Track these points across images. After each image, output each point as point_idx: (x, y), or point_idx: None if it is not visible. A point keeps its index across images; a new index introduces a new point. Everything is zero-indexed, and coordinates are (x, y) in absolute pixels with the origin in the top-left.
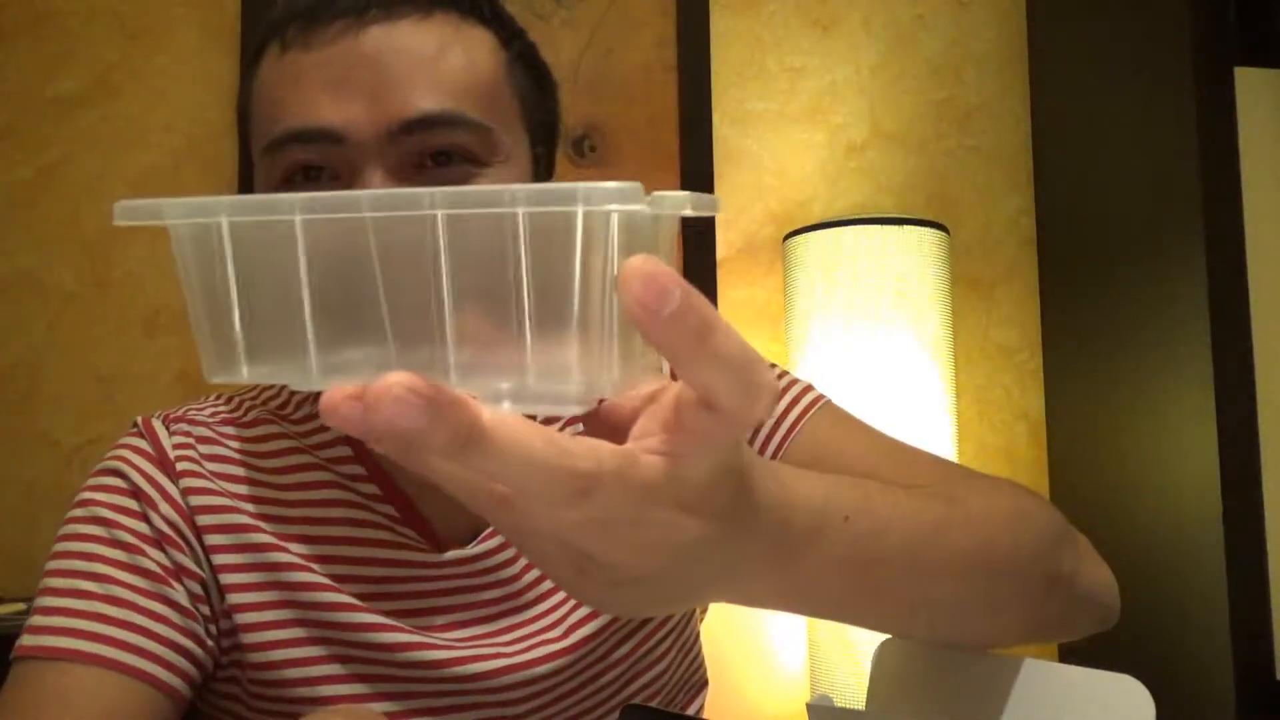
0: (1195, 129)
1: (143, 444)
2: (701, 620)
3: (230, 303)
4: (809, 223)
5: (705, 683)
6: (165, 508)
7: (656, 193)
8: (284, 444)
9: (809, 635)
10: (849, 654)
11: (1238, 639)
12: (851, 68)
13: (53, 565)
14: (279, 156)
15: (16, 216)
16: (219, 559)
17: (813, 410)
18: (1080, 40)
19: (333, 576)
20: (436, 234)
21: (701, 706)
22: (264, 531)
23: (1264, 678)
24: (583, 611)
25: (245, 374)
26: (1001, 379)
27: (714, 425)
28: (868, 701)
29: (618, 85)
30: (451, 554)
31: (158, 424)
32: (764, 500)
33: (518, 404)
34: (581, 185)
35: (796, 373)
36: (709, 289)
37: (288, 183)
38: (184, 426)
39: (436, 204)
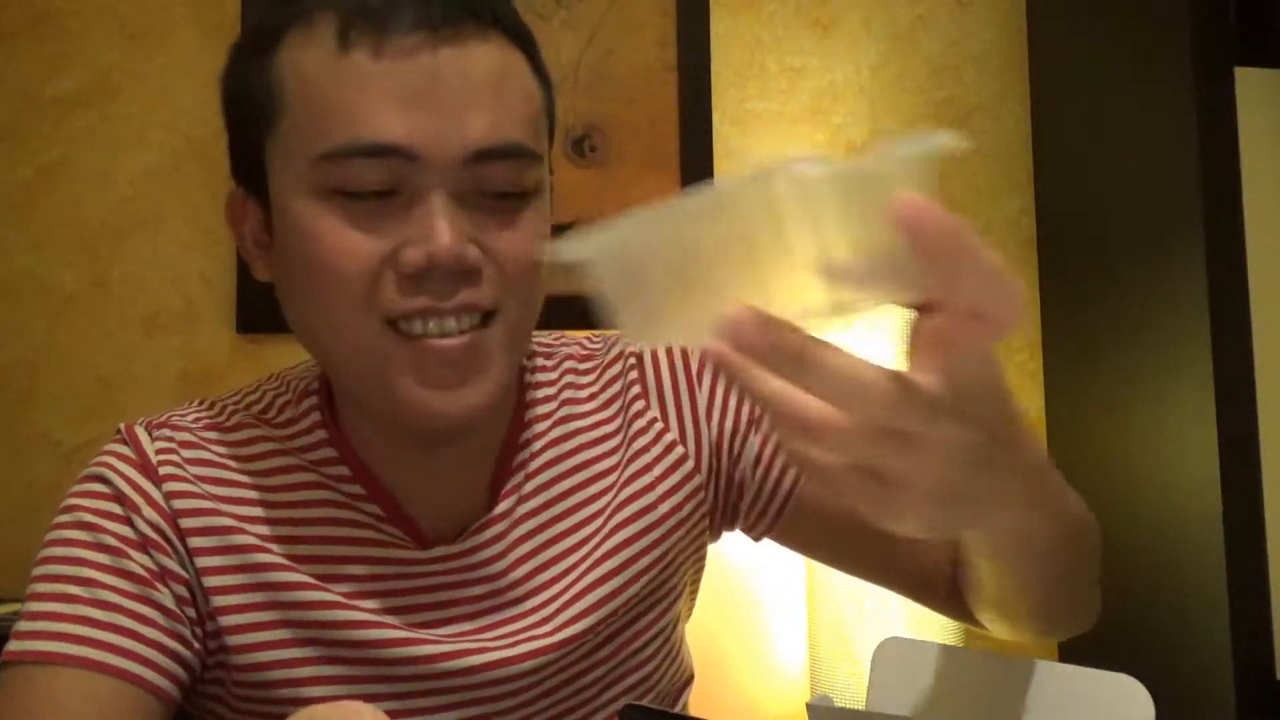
0: (1195, 129)
1: (126, 450)
2: (687, 619)
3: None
4: None
5: (691, 676)
6: (149, 512)
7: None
8: (267, 446)
9: (809, 634)
10: (849, 654)
11: (1238, 639)
12: (851, 68)
13: (39, 571)
14: (337, 167)
15: (16, 216)
16: (203, 561)
17: None
18: (1080, 40)
19: (318, 575)
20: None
21: (686, 702)
22: (247, 533)
23: (1264, 678)
24: (572, 610)
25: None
26: None
27: (981, 333)
28: (868, 700)
29: (618, 85)
30: (438, 550)
31: (140, 430)
32: (1026, 433)
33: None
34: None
35: None
36: None
37: (337, 193)
38: (166, 432)
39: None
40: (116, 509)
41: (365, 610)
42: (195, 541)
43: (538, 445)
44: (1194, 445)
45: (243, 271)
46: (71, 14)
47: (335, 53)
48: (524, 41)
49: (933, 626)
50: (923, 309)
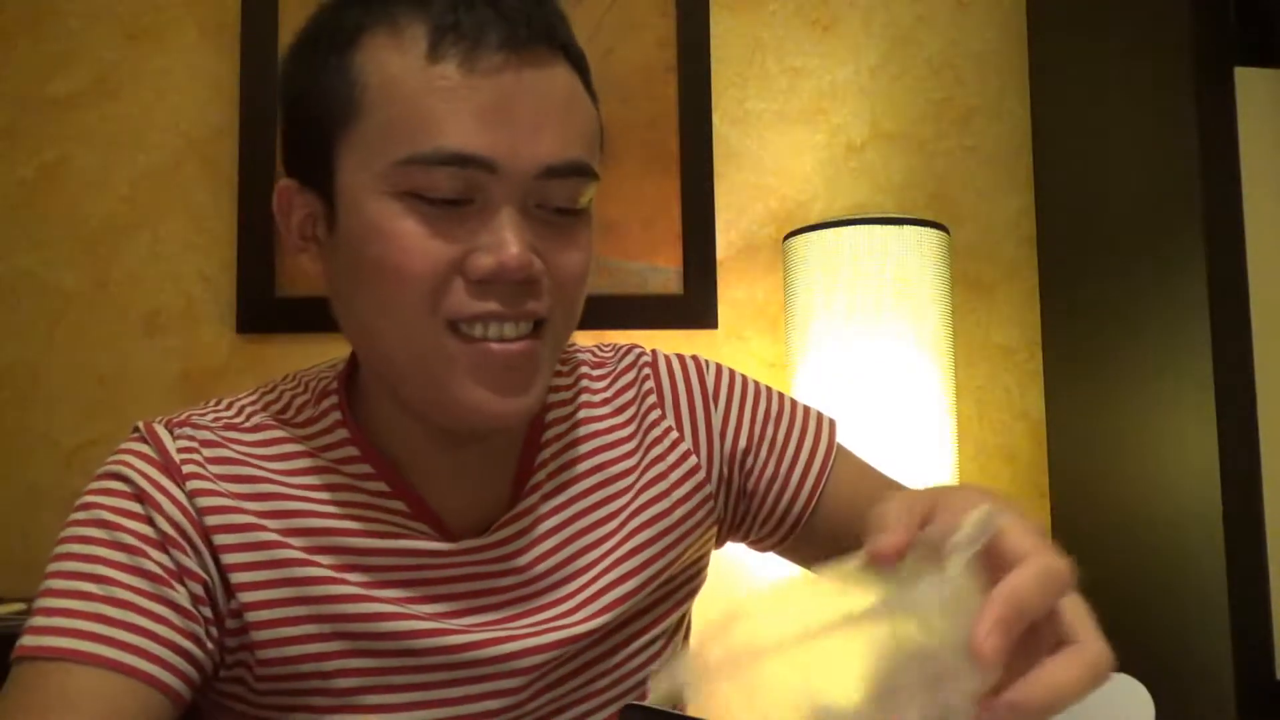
0: (1195, 129)
1: (146, 449)
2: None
3: None
4: (809, 223)
5: None
6: (170, 510)
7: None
8: (289, 447)
9: None
10: None
11: (1238, 639)
12: (851, 68)
13: (54, 567)
14: (420, 171)
15: (16, 216)
16: (228, 559)
17: (834, 449)
18: (1080, 40)
19: (342, 567)
20: None
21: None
22: (269, 530)
23: (1264, 678)
24: (595, 604)
25: None
26: (1001, 379)
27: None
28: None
29: (618, 85)
30: (465, 543)
31: (160, 429)
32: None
33: None
34: None
35: (797, 374)
36: (709, 289)
37: (414, 196)
38: (188, 430)
39: None
40: (137, 508)
41: (392, 602)
42: (220, 539)
43: (558, 445)
44: (1194, 445)
45: (243, 271)
46: (71, 14)
47: (425, 62)
48: (582, 66)
49: None
50: None
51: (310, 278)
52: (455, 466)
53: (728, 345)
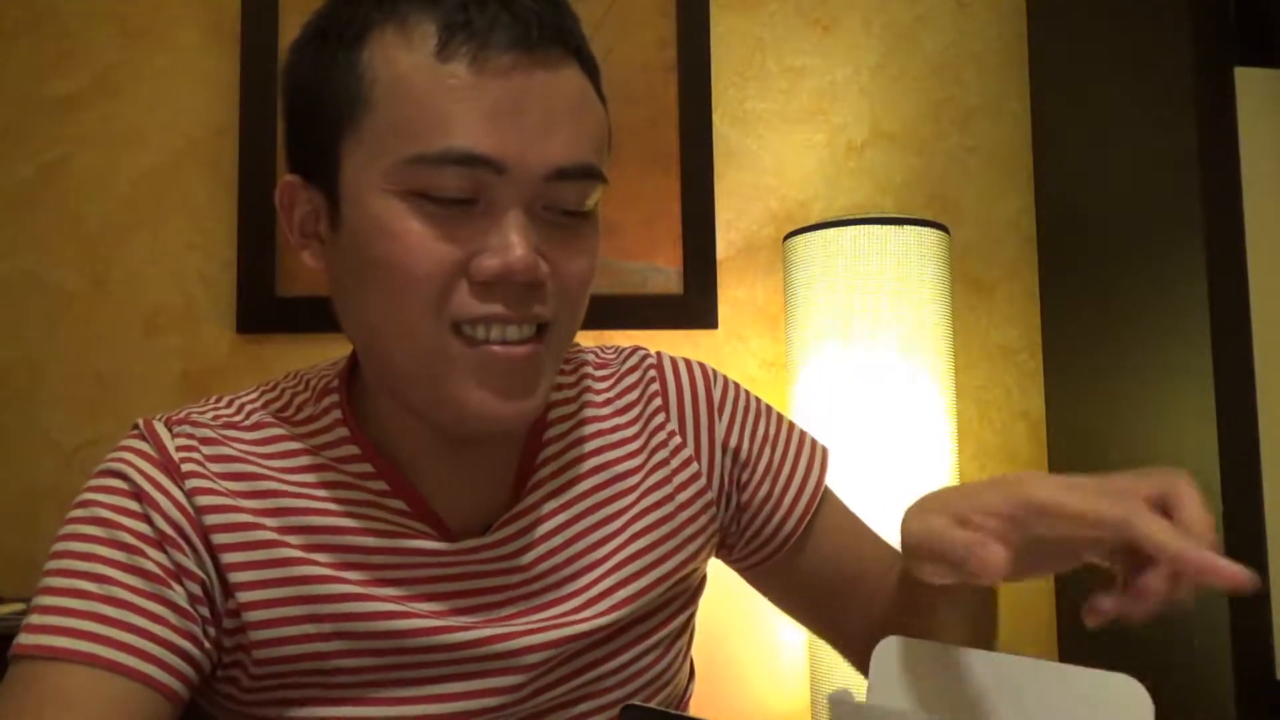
0: (1195, 129)
1: (145, 446)
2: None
3: None
4: (809, 223)
5: (693, 676)
6: (168, 508)
7: None
8: (289, 445)
9: (809, 636)
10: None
11: (1238, 639)
12: (851, 68)
13: (52, 565)
14: (428, 170)
15: (17, 216)
16: (227, 557)
17: (825, 481)
18: (1080, 40)
19: (341, 565)
20: None
21: (689, 700)
22: (267, 528)
23: (1264, 678)
24: (600, 604)
25: None
26: (1001, 379)
27: None
28: (868, 699)
29: (618, 85)
30: (467, 543)
31: (160, 426)
32: None
33: None
34: None
35: (797, 374)
36: (709, 289)
37: (420, 195)
38: (186, 428)
39: None
40: (135, 506)
41: (392, 600)
42: (219, 538)
43: (560, 445)
44: (1194, 445)
45: (243, 271)
46: (72, 14)
47: (434, 60)
48: (593, 70)
49: None
50: None
51: (310, 277)
52: (456, 466)
53: (728, 345)
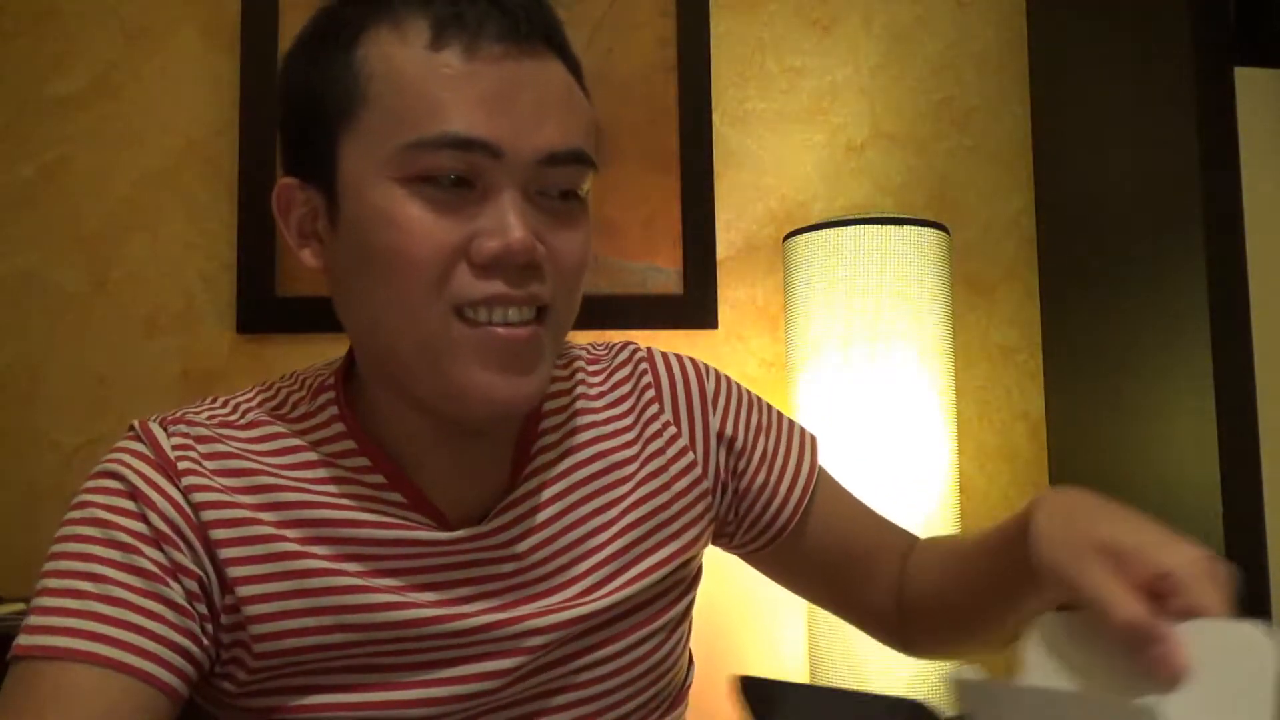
0: (1195, 129)
1: (140, 447)
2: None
3: None
4: (809, 223)
5: (691, 664)
6: (164, 507)
7: None
8: (286, 441)
9: (808, 634)
10: (847, 651)
11: None
12: (851, 68)
13: (50, 566)
14: (425, 155)
15: (17, 216)
16: (225, 553)
17: (818, 466)
18: (1080, 40)
19: (340, 557)
20: None
21: (689, 685)
22: (266, 523)
23: None
24: (597, 591)
25: None
26: (1001, 379)
27: None
28: (1025, 675)
29: (618, 85)
30: (463, 532)
31: (155, 427)
32: None
33: None
34: None
35: (797, 374)
36: (709, 289)
37: (419, 181)
38: (182, 428)
39: None
40: (130, 505)
41: (391, 591)
42: (216, 534)
43: (555, 435)
44: (1194, 445)
45: (243, 271)
46: (71, 14)
47: (428, 51)
48: (576, 69)
49: None
50: None
51: (310, 278)
52: (453, 457)
53: (728, 345)
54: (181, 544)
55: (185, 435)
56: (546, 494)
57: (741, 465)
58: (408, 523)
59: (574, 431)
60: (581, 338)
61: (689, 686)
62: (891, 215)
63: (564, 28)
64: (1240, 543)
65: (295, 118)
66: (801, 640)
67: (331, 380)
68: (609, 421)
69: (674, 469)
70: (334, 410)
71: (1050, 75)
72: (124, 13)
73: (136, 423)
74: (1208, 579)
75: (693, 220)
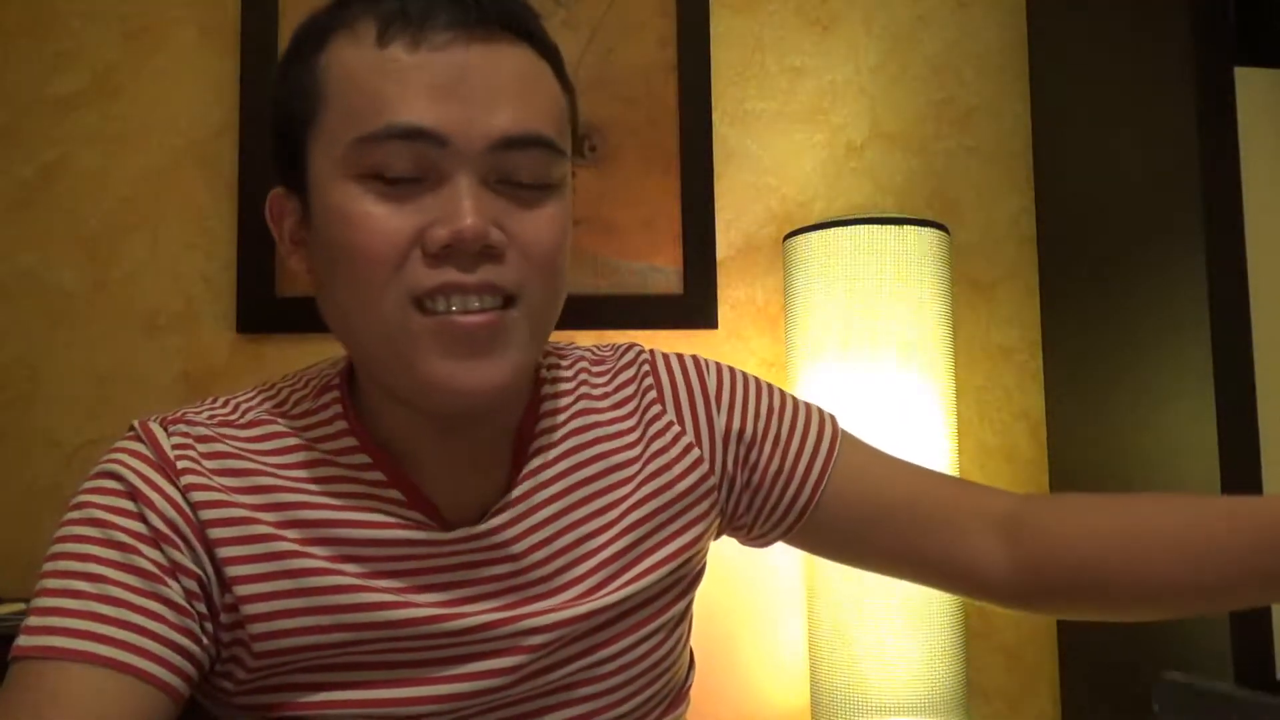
0: (1195, 129)
1: (140, 447)
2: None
3: None
4: (809, 223)
5: (692, 664)
6: (163, 506)
7: None
8: (286, 441)
9: (809, 634)
10: (849, 652)
11: (1238, 639)
12: (851, 68)
13: (48, 566)
14: (372, 149)
15: (16, 216)
16: (224, 552)
17: (839, 440)
18: (1080, 40)
19: (338, 558)
20: None
21: (690, 685)
22: (265, 523)
23: (1264, 678)
24: (599, 592)
25: None
26: (1001, 379)
27: None
28: None
29: (618, 85)
30: (460, 532)
31: (155, 426)
32: None
33: None
34: None
35: (797, 374)
36: (709, 289)
37: (370, 176)
38: (182, 428)
39: None
40: (129, 505)
41: (389, 591)
42: (215, 533)
43: (556, 435)
44: (1194, 445)
45: (243, 271)
46: (72, 14)
47: (375, 48)
48: (551, 55)
49: (930, 622)
50: None
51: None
52: (450, 455)
53: (728, 345)
54: (180, 543)
55: (185, 435)
56: (545, 494)
57: (754, 456)
58: (406, 522)
59: (575, 432)
60: (582, 338)
61: (690, 686)
62: (891, 215)
63: (532, 12)
64: None
65: (276, 128)
66: (801, 640)
67: (337, 379)
68: (612, 423)
69: (678, 467)
70: (338, 408)
71: (1050, 75)
72: (124, 13)
73: (136, 422)
74: None
75: (693, 220)
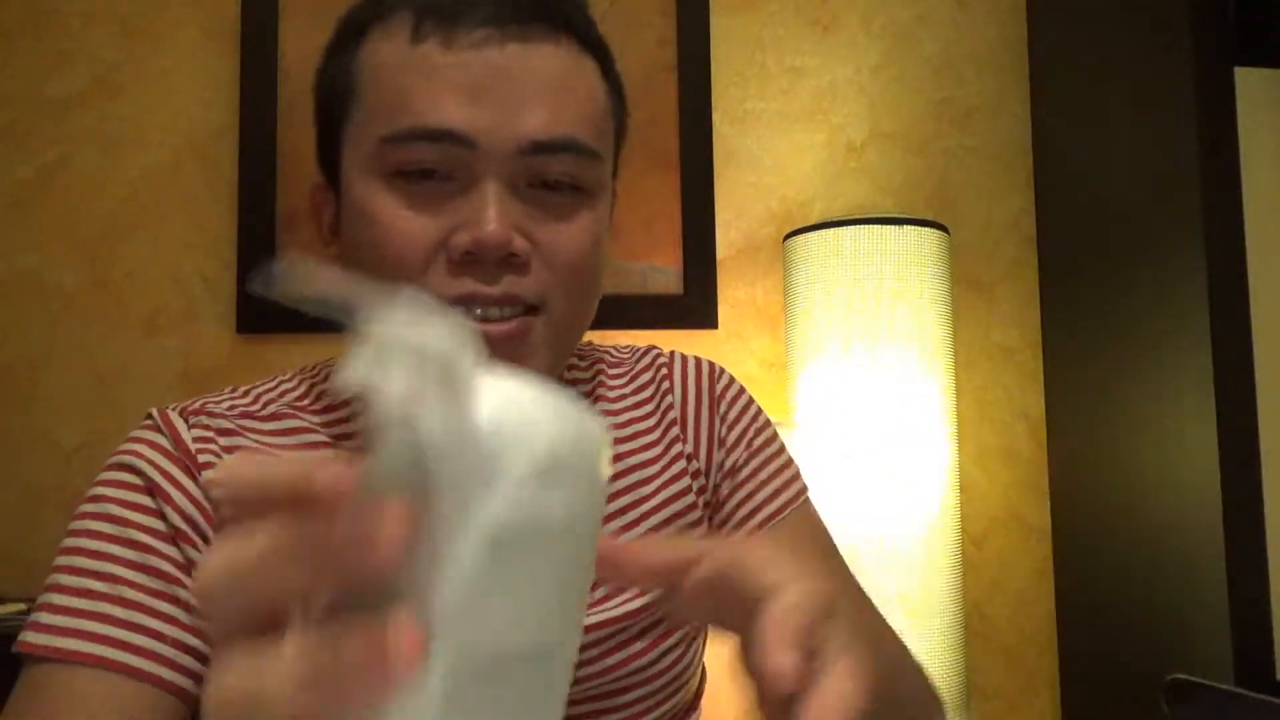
0: (1195, 129)
1: (159, 438)
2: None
3: None
4: (809, 223)
5: (704, 675)
6: (182, 502)
7: None
8: (308, 437)
9: None
10: None
11: (1238, 639)
12: (851, 68)
13: (62, 561)
14: (399, 149)
15: (16, 216)
16: None
17: (800, 500)
18: (1080, 40)
19: None
20: None
21: (700, 699)
22: None
23: (1264, 678)
24: (617, 599)
25: None
26: (1001, 379)
27: None
28: None
29: None
30: None
31: (175, 417)
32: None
33: None
34: None
35: (798, 374)
36: (709, 289)
37: (397, 176)
38: (203, 419)
39: None
40: (147, 501)
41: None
42: None
43: None
44: (1194, 445)
45: (243, 271)
46: (72, 14)
47: (408, 44)
48: (597, 50)
49: (930, 622)
50: None
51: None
52: None
53: (728, 345)
54: (199, 541)
55: (206, 428)
56: None
57: (732, 482)
58: None
59: None
60: (584, 337)
61: (702, 693)
62: (891, 215)
63: (577, 6)
64: (1240, 543)
65: (317, 120)
66: None
67: None
68: (629, 424)
69: (686, 479)
70: (358, 405)
71: (1050, 75)
72: (124, 13)
73: (155, 411)
74: None
75: (693, 220)
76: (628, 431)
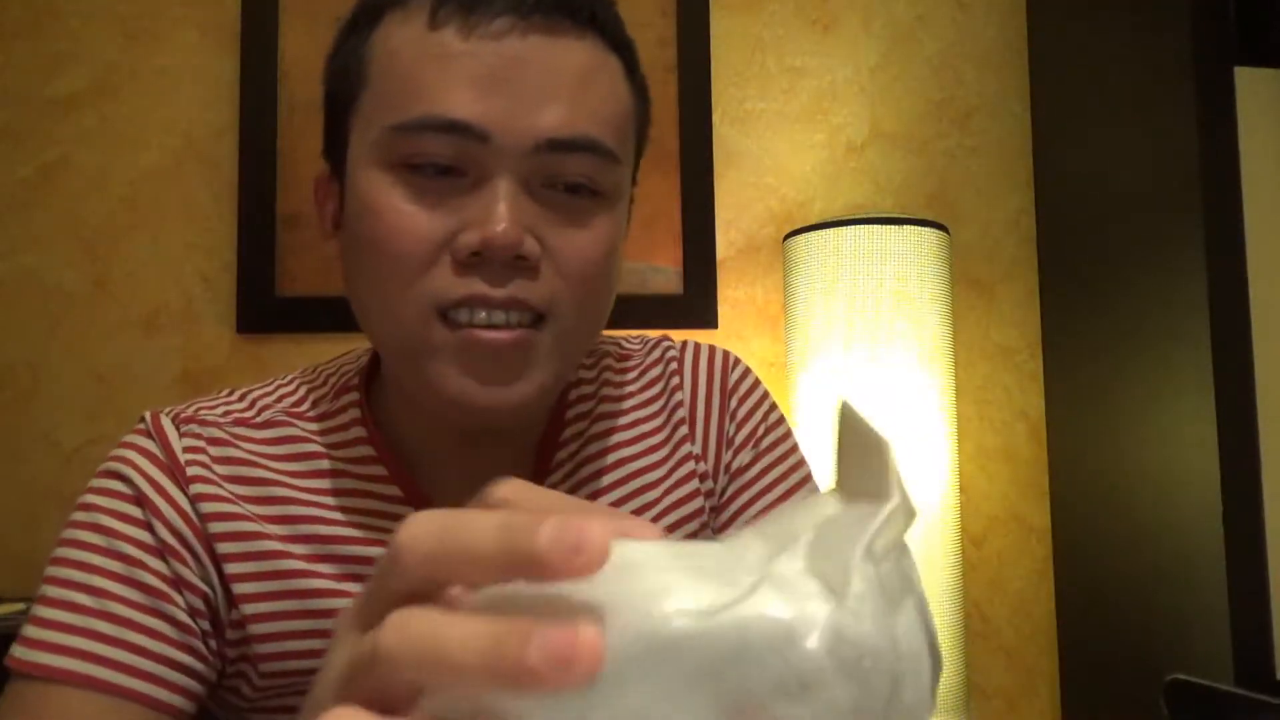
0: (1195, 129)
1: (151, 446)
2: None
3: None
4: (809, 223)
5: None
6: (171, 516)
7: None
8: (302, 447)
9: None
10: None
11: (1238, 639)
12: (851, 68)
13: (51, 572)
14: (408, 139)
15: (17, 216)
16: (231, 568)
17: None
18: (1080, 40)
19: (346, 577)
20: None
21: None
22: (272, 538)
23: (1264, 678)
24: None
25: None
26: (1001, 379)
27: None
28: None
29: None
30: None
31: (167, 423)
32: None
33: None
34: None
35: (797, 374)
36: (709, 289)
37: (405, 169)
38: (194, 428)
39: None
40: (136, 513)
41: None
42: (223, 547)
43: (577, 444)
44: (1194, 445)
45: (243, 271)
46: (72, 14)
47: (425, 30)
48: (623, 49)
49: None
50: None
51: (310, 277)
52: (469, 467)
53: (728, 345)
54: (188, 556)
55: (197, 436)
56: None
57: (737, 482)
58: None
59: (596, 438)
60: None
61: None
62: (891, 215)
63: (609, 5)
64: (1240, 542)
65: (325, 106)
66: None
67: (356, 379)
68: (634, 425)
69: (694, 482)
70: (356, 413)
71: (1050, 75)
72: (124, 13)
73: (148, 415)
74: None
75: (693, 220)
76: (634, 433)
